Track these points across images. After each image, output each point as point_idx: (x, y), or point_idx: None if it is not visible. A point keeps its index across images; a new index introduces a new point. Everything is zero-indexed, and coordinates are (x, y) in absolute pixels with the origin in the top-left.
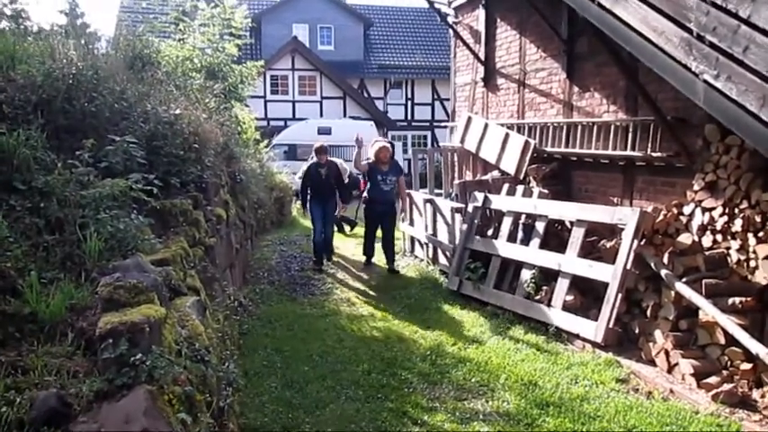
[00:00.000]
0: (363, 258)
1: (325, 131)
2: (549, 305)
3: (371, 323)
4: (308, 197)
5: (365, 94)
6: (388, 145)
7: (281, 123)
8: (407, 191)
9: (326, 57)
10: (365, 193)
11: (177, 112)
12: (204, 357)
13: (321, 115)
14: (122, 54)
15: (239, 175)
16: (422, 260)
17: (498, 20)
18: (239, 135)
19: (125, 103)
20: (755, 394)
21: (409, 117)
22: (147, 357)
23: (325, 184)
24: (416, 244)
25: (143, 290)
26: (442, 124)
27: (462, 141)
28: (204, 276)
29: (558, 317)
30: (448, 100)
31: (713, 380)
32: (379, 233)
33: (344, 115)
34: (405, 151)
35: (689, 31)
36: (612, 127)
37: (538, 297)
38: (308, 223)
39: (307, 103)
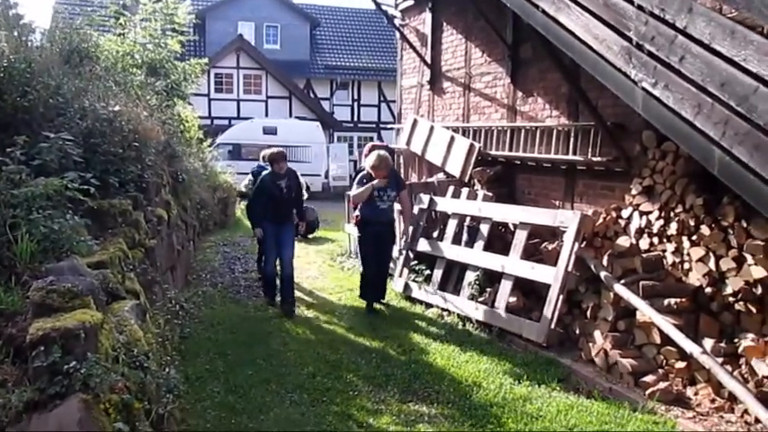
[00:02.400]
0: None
1: (270, 131)
2: (492, 306)
3: (316, 326)
4: (259, 218)
5: (311, 95)
6: (387, 154)
7: (226, 122)
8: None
9: (272, 56)
10: (356, 212)
11: (116, 108)
12: (143, 363)
13: (266, 115)
14: (58, 47)
15: (181, 174)
16: None
17: (444, 24)
18: (182, 134)
19: (61, 99)
20: (689, 392)
21: (355, 118)
22: (81, 365)
23: (285, 202)
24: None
25: (78, 294)
26: (389, 126)
27: (408, 144)
28: (144, 279)
29: (501, 318)
30: (394, 102)
31: (650, 378)
32: None
33: (290, 115)
34: (351, 152)
35: (629, 39)
36: (555, 131)
37: (482, 298)
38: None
39: (252, 103)
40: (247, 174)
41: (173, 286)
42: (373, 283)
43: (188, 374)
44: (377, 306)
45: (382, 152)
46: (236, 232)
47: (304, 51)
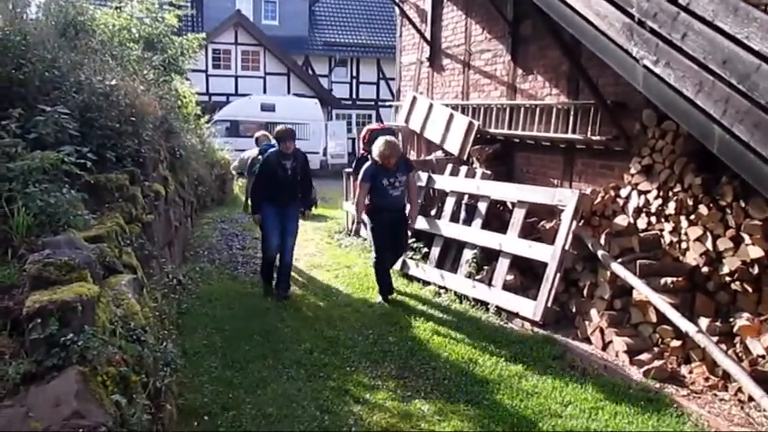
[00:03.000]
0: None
1: (268, 108)
2: (489, 284)
3: (314, 302)
4: (261, 199)
5: (310, 72)
6: (397, 141)
7: (224, 99)
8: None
9: (271, 32)
10: (366, 201)
11: (113, 82)
12: (140, 337)
13: (264, 91)
14: (54, 20)
15: (179, 150)
16: (365, 239)
17: (445, 0)
18: (179, 109)
19: (56, 72)
20: (684, 370)
21: (354, 96)
22: (78, 337)
23: (290, 184)
24: (360, 224)
25: (75, 267)
26: (387, 104)
27: (407, 121)
28: (141, 254)
29: (498, 296)
30: (393, 79)
31: (645, 357)
32: None
33: (288, 92)
34: (349, 130)
35: (631, 16)
36: (554, 110)
37: (479, 277)
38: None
39: (250, 79)
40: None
41: (170, 262)
42: (386, 270)
43: (185, 349)
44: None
45: (390, 138)
46: (234, 209)
47: (302, 27)
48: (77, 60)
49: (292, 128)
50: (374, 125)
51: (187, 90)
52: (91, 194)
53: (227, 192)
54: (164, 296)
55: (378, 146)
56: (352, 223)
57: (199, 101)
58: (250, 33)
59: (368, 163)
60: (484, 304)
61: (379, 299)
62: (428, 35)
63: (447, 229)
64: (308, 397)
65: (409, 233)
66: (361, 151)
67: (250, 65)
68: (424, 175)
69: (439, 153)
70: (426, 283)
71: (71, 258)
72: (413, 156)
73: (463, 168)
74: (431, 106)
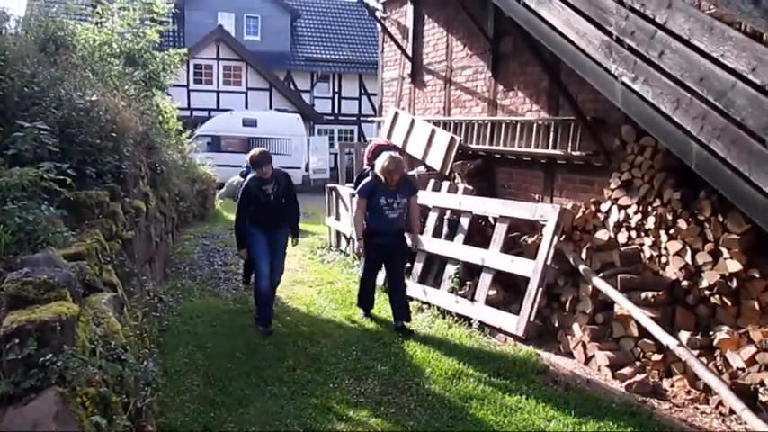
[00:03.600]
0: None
1: (250, 123)
2: (472, 299)
3: (296, 318)
4: (243, 231)
5: (292, 87)
6: (401, 157)
7: (205, 114)
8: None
9: (253, 47)
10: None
11: (93, 98)
12: (121, 356)
13: (246, 107)
14: (34, 35)
15: (160, 166)
16: (347, 255)
17: (426, 16)
18: (160, 125)
19: (36, 88)
20: (665, 383)
21: (336, 111)
22: (57, 357)
23: (273, 208)
24: (342, 239)
25: (54, 286)
26: (369, 119)
27: (389, 137)
28: (122, 271)
29: (481, 311)
30: (375, 95)
31: (627, 370)
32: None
33: (270, 107)
34: (331, 145)
35: (609, 34)
36: (535, 125)
37: (462, 292)
38: (233, 217)
39: (232, 94)
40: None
41: (151, 278)
42: (391, 300)
43: (167, 367)
44: (399, 327)
45: (395, 154)
46: (216, 225)
47: (284, 43)
48: (57, 76)
49: (265, 150)
50: (380, 140)
51: (168, 105)
52: (71, 211)
53: (209, 207)
54: (144, 314)
55: (381, 160)
56: (347, 241)
57: (180, 116)
58: (232, 49)
59: (367, 179)
60: (467, 319)
61: (360, 314)
62: (410, 51)
63: (429, 244)
64: (291, 415)
65: (406, 262)
66: (365, 167)
67: (232, 80)
68: None
69: (421, 168)
70: (409, 299)
71: (50, 277)
72: None
73: (445, 184)
74: (413, 122)
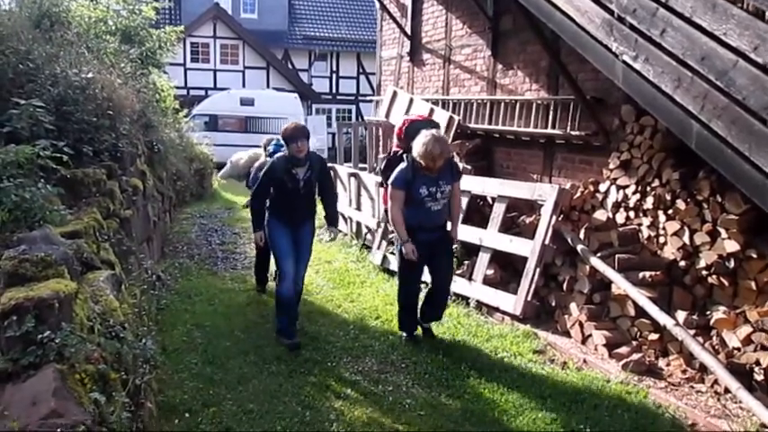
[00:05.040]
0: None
1: (248, 102)
2: (470, 279)
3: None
4: (267, 214)
5: (289, 66)
6: (445, 136)
7: (202, 93)
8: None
9: (250, 25)
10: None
11: (90, 75)
12: (119, 334)
13: (244, 86)
14: (28, 12)
15: (157, 144)
16: (345, 234)
17: None
18: (157, 103)
19: (31, 65)
20: (661, 363)
21: (334, 90)
22: (56, 335)
23: (301, 199)
24: (340, 218)
25: (52, 263)
26: (368, 98)
27: (387, 116)
28: (119, 250)
29: (478, 290)
30: (373, 74)
31: (623, 350)
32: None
33: (268, 86)
34: (329, 125)
35: (610, 12)
36: (534, 105)
37: (459, 271)
38: (231, 196)
39: (229, 73)
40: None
41: (149, 257)
42: (413, 306)
43: (165, 345)
44: (426, 329)
45: (438, 132)
46: (213, 204)
47: (282, 21)
48: (52, 53)
49: (304, 125)
50: (413, 115)
51: (165, 84)
52: (67, 189)
53: (207, 187)
54: (143, 292)
55: (422, 142)
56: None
57: (177, 95)
58: (229, 27)
59: (403, 164)
60: (464, 299)
61: (402, 336)
62: (408, 30)
63: None
64: (289, 393)
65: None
66: (394, 148)
67: (229, 59)
68: None
69: None
70: None
71: (47, 254)
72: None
73: None
74: (411, 101)
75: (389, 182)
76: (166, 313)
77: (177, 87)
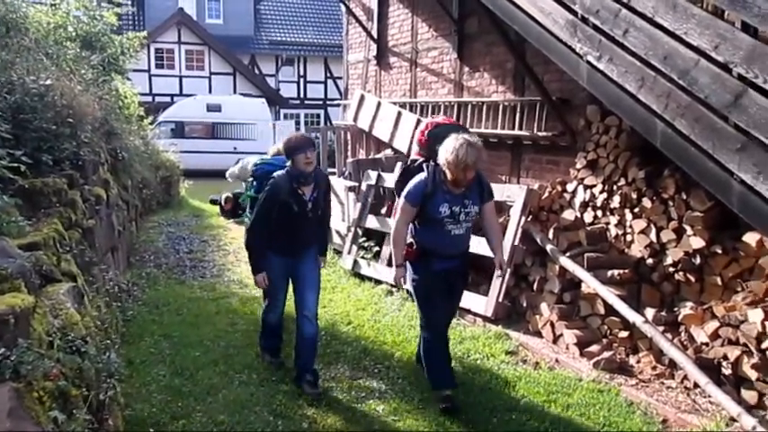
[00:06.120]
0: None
1: (214, 108)
2: None
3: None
4: (262, 249)
5: (256, 71)
6: (480, 143)
7: (168, 99)
8: None
9: (215, 31)
10: (408, 238)
11: (48, 82)
12: (80, 348)
13: (210, 92)
14: None
15: (121, 152)
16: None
17: None
18: (120, 110)
19: None
20: (632, 360)
21: (302, 95)
22: (11, 352)
23: (307, 223)
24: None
25: (7, 277)
26: (335, 102)
27: (355, 120)
28: (82, 261)
29: None
30: (341, 78)
31: (594, 348)
32: None
33: (235, 92)
34: (297, 130)
35: (574, 12)
36: (501, 107)
37: None
38: (198, 203)
39: (195, 79)
40: (195, 154)
41: (114, 268)
42: (444, 348)
43: (132, 358)
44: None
45: (471, 137)
46: (181, 212)
47: (248, 27)
48: (8, 59)
49: (308, 135)
50: (439, 118)
51: (129, 90)
52: (26, 200)
53: (174, 194)
54: (107, 304)
55: (452, 147)
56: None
57: (142, 101)
58: (194, 32)
59: (422, 175)
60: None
61: (438, 400)
62: (375, 33)
63: None
64: (260, 402)
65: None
66: (415, 156)
67: (195, 64)
68: (373, 174)
69: (388, 151)
70: (378, 282)
71: (3, 267)
72: (362, 154)
73: None
74: (379, 104)
75: (402, 194)
76: (133, 324)
77: (142, 94)
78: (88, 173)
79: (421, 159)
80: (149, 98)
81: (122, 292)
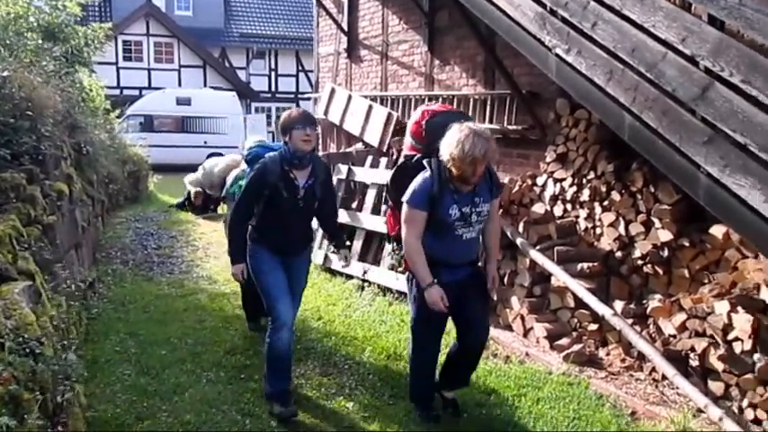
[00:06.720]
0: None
1: (184, 102)
2: None
3: (234, 301)
4: (250, 240)
5: (227, 64)
6: (489, 132)
7: (136, 93)
8: None
9: (184, 23)
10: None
11: (5, 74)
12: (35, 350)
13: (180, 85)
14: None
15: (85, 146)
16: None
17: None
18: (84, 103)
19: None
20: (601, 353)
21: (273, 88)
22: None
23: (301, 214)
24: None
25: None
26: (307, 96)
27: (326, 113)
28: (41, 258)
29: None
30: (312, 71)
31: (564, 341)
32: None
33: (205, 85)
34: (269, 124)
35: (543, 5)
36: (471, 100)
37: (402, 268)
38: (168, 198)
39: (164, 72)
40: (164, 148)
41: (78, 265)
42: (432, 374)
43: (96, 357)
44: (449, 398)
45: (477, 126)
46: (149, 207)
47: (218, 19)
48: None
49: (307, 111)
50: (434, 105)
51: (94, 83)
52: None
53: (142, 189)
54: (69, 303)
55: (457, 139)
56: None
57: (109, 95)
58: (163, 24)
59: (424, 174)
60: (407, 297)
61: (415, 413)
62: (345, 26)
63: (368, 221)
64: (228, 400)
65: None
66: (408, 151)
67: (164, 57)
68: (344, 168)
69: (359, 145)
70: (349, 277)
71: None
72: (332, 148)
73: (383, 160)
74: (350, 98)
75: (405, 199)
76: (98, 323)
77: (109, 87)
78: (49, 167)
79: (417, 156)
80: (117, 91)
81: (87, 289)
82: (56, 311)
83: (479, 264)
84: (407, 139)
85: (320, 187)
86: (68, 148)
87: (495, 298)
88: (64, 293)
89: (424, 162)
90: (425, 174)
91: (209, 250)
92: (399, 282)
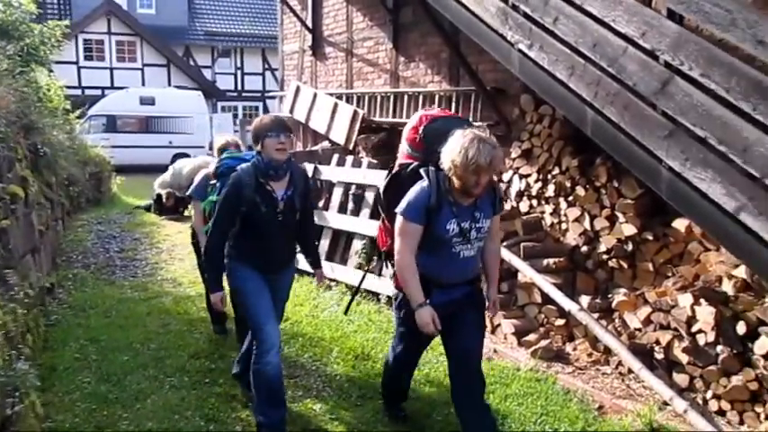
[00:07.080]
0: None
1: (148, 101)
2: (380, 275)
3: (199, 304)
4: (228, 259)
5: (191, 63)
6: (494, 140)
7: (98, 92)
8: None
9: (147, 21)
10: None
11: None
12: None
13: (143, 84)
14: None
15: (43, 148)
16: None
17: None
18: (42, 103)
19: None
20: (568, 348)
21: (239, 87)
22: None
23: (281, 228)
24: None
25: None
26: (274, 94)
27: (292, 111)
28: None
29: (388, 286)
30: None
31: (532, 337)
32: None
33: (169, 84)
34: (235, 123)
35: (505, 0)
36: (437, 97)
37: (369, 267)
38: (132, 200)
39: (126, 71)
40: (128, 149)
41: (36, 270)
42: (404, 381)
43: (55, 365)
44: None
45: (482, 133)
46: (112, 209)
47: (181, 16)
48: None
49: (283, 117)
50: (433, 110)
51: (53, 83)
52: None
53: (104, 191)
54: (26, 310)
55: (460, 146)
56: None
57: (70, 95)
58: (124, 22)
59: (422, 183)
60: (375, 295)
61: (384, 412)
62: (309, 23)
63: (335, 220)
64: (191, 406)
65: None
66: (403, 159)
67: (126, 56)
68: (310, 167)
69: (325, 143)
70: None
71: None
72: (299, 147)
73: (349, 158)
74: (315, 95)
75: (399, 210)
76: (57, 329)
77: (70, 87)
78: (2, 170)
79: (415, 164)
80: (78, 91)
81: (46, 295)
82: (9, 319)
83: (480, 282)
84: (403, 147)
85: (299, 198)
86: (24, 150)
87: (495, 322)
88: (17, 301)
89: (421, 171)
90: (423, 183)
91: (173, 252)
92: (366, 280)
